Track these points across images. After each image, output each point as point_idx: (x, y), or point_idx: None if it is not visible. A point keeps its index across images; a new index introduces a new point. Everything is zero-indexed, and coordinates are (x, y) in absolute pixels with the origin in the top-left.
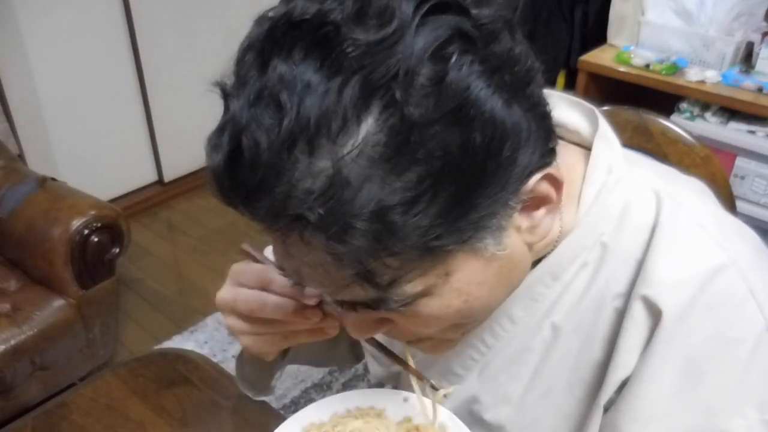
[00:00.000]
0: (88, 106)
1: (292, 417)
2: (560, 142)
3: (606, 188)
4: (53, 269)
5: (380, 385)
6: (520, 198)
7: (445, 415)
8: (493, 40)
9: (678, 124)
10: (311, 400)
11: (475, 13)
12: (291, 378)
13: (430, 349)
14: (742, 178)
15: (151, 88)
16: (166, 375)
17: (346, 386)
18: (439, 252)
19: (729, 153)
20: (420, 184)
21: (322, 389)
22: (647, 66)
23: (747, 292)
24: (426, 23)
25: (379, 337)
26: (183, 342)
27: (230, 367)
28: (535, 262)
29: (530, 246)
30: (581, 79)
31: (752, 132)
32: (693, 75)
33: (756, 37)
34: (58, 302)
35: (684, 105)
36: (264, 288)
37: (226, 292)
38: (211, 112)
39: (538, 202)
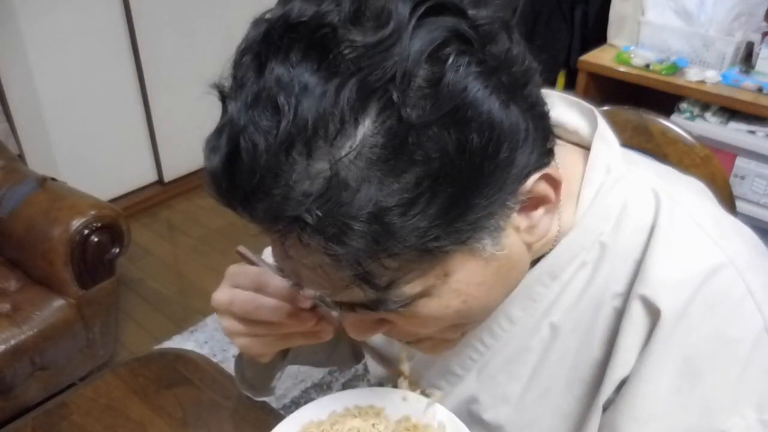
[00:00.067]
0: (88, 106)
1: (291, 416)
2: (559, 141)
3: (605, 188)
4: (53, 269)
5: (380, 385)
6: (519, 198)
7: (444, 415)
8: (490, 41)
9: (678, 124)
10: (311, 400)
11: (472, 14)
12: (291, 378)
13: (430, 350)
14: (742, 178)
15: (151, 88)
16: (166, 375)
17: (346, 386)
18: (437, 253)
19: (729, 153)
20: (418, 185)
21: (322, 389)
22: (647, 66)
23: (745, 291)
24: (423, 25)
25: (378, 337)
26: (183, 342)
27: (230, 367)
28: (534, 262)
29: (529, 246)
30: (581, 79)
31: (752, 132)
32: (693, 75)
33: (756, 37)
34: (58, 302)
35: (684, 105)
36: (259, 290)
37: (222, 294)
38: (210, 113)
39: (536, 202)
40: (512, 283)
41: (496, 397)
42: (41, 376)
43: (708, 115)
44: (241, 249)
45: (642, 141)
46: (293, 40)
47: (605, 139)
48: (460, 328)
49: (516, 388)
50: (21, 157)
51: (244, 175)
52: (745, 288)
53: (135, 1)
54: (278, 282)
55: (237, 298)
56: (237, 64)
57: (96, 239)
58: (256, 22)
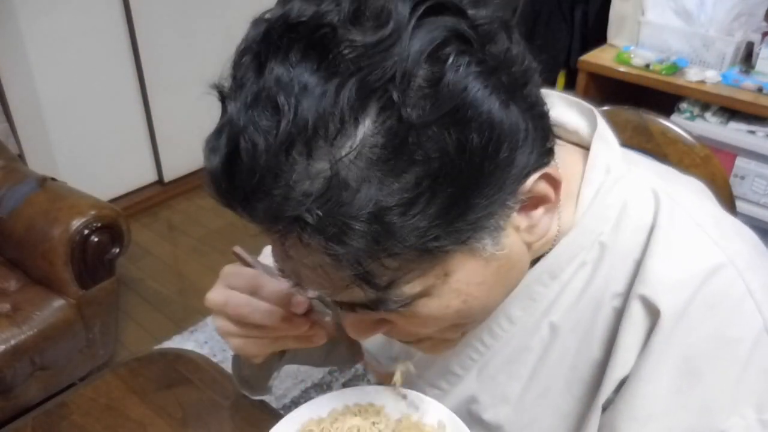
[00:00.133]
0: (88, 106)
1: (291, 414)
2: (558, 141)
3: (604, 188)
4: (53, 269)
5: (379, 384)
6: (519, 198)
7: (444, 413)
8: (490, 41)
9: (678, 124)
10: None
11: (472, 14)
12: (291, 378)
13: (430, 349)
14: (742, 178)
15: (151, 88)
16: (166, 375)
17: (346, 386)
18: (437, 253)
19: (729, 153)
20: (418, 185)
21: (322, 389)
22: (647, 66)
23: (745, 291)
24: (422, 25)
25: (378, 338)
26: (183, 342)
27: (230, 366)
28: (533, 262)
29: (529, 246)
30: (581, 79)
31: (752, 132)
32: (693, 75)
33: (756, 37)
34: (58, 302)
35: (684, 105)
36: (254, 293)
37: (216, 294)
38: (210, 113)
39: (536, 201)
40: (512, 282)
41: (495, 397)
42: (41, 376)
43: (708, 115)
44: (237, 250)
45: (642, 141)
46: (293, 40)
47: (605, 139)
48: (460, 328)
49: (516, 388)
50: (21, 157)
51: (244, 176)
52: (744, 288)
53: (135, 1)
54: (273, 285)
55: (231, 299)
56: (236, 64)
57: (96, 239)
58: (256, 22)
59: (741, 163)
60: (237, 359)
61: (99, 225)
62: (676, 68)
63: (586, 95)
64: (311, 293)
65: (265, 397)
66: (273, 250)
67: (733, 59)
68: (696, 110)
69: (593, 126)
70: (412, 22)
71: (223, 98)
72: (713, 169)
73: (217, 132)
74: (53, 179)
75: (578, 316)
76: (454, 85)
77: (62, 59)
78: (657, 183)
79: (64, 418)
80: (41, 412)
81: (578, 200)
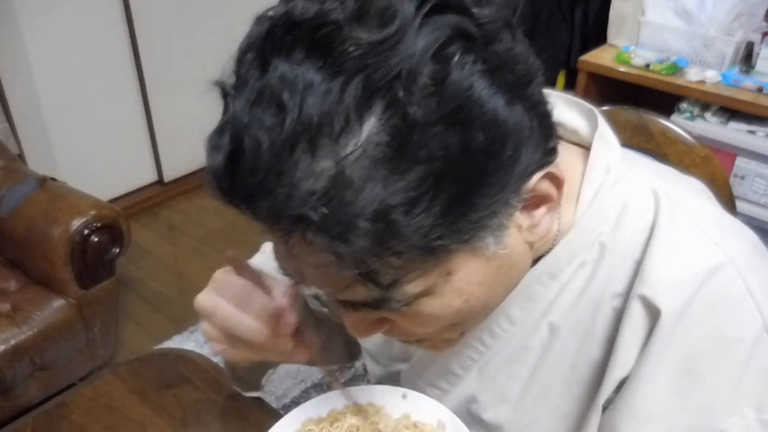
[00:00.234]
0: (88, 106)
1: (291, 413)
2: (559, 141)
3: (604, 188)
4: (53, 269)
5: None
6: (521, 197)
7: (443, 413)
8: (494, 40)
9: (678, 124)
10: None
11: (476, 12)
12: (291, 378)
13: (430, 348)
14: (742, 178)
15: (151, 88)
16: (166, 375)
17: (346, 386)
18: (440, 251)
19: (729, 153)
20: (422, 184)
21: (322, 389)
22: (647, 66)
23: (745, 291)
24: (427, 23)
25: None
26: (183, 342)
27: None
28: (533, 262)
29: (530, 245)
30: (581, 79)
31: (752, 132)
32: (693, 75)
33: (756, 37)
34: (58, 302)
35: (684, 105)
36: (242, 307)
37: (206, 300)
38: (211, 112)
39: (538, 200)
40: (513, 282)
41: (495, 397)
42: (41, 376)
43: (708, 115)
44: (230, 254)
45: (642, 141)
46: (297, 38)
47: (605, 139)
48: (460, 327)
49: (515, 388)
50: (21, 157)
51: (247, 174)
52: (744, 288)
53: (135, 1)
54: (262, 301)
55: (219, 310)
56: (239, 61)
57: (96, 239)
58: (259, 20)
59: (741, 163)
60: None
61: (99, 225)
62: (676, 68)
63: (586, 95)
64: (312, 291)
65: (261, 396)
66: (275, 249)
67: (733, 59)
68: (696, 110)
69: (594, 126)
70: (417, 20)
71: (226, 96)
72: (713, 169)
73: (220, 130)
74: (53, 179)
75: (578, 316)
76: (459, 83)
77: (62, 59)
78: (657, 183)
79: (64, 418)
80: (41, 412)
81: (578, 200)
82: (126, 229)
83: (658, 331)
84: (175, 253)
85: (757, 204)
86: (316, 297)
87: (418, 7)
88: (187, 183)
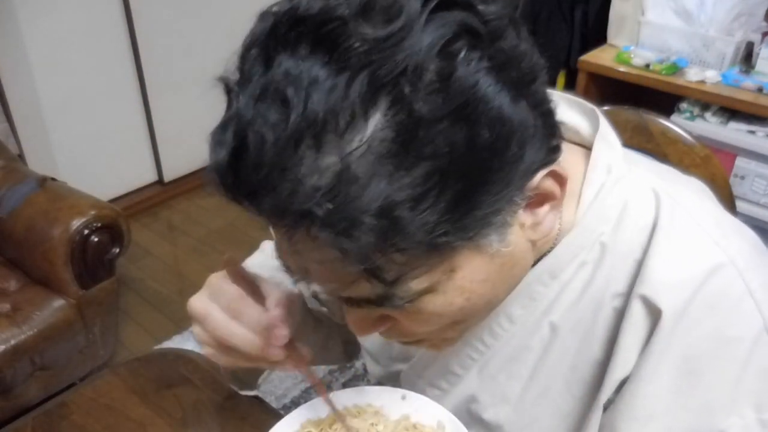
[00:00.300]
0: (88, 106)
1: (290, 415)
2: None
3: (605, 188)
4: (53, 269)
5: (379, 384)
6: (525, 195)
7: (443, 415)
8: (500, 37)
9: (678, 124)
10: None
11: (482, 9)
12: (291, 378)
13: (430, 348)
14: (742, 178)
15: (151, 88)
16: (166, 375)
17: (346, 386)
18: (444, 248)
19: (729, 153)
20: (427, 180)
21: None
22: (647, 66)
23: (745, 291)
24: (433, 19)
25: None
26: (183, 342)
27: None
28: (534, 262)
29: (533, 243)
30: (581, 79)
31: (752, 132)
32: (693, 75)
33: (756, 37)
34: (58, 302)
35: (684, 105)
36: (234, 317)
37: (199, 305)
38: (211, 112)
39: (542, 198)
40: (515, 280)
41: (495, 397)
42: (41, 376)
43: (708, 115)
44: (227, 258)
45: (642, 141)
46: (301, 34)
47: (607, 139)
48: (461, 326)
49: (516, 388)
50: (21, 157)
51: (251, 169)
52: (744, 287)
53: (135, 1)
54: (254, 313)
55: (211, 318)
56: (243, 57)
57: (96, 239)
58: (263, 16)
59: (741, 163)
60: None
61: (99, 225)
62: (676, 68)
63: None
64: (313, 288)
65: (261, 396)
66: (278, 246)
67: (733, 59)
68: (696, 110)
69: (595, 126)
70: (423, 16)
71: (229, 92)
72: (713, 169)
73: (223, 126)
74: (53, 179)
75: (578, 316)
76: (464, 80)
77: (62, 59)
78: (658, 183)
79: (64, 418)
80: (41, 412)
81: (579, 200)
82: (126, 229)
83: (658, 331)
84: (175, 253)
85: (757, 204)
86: (315, 296)
87: (424, 4)
88: (187, 183)
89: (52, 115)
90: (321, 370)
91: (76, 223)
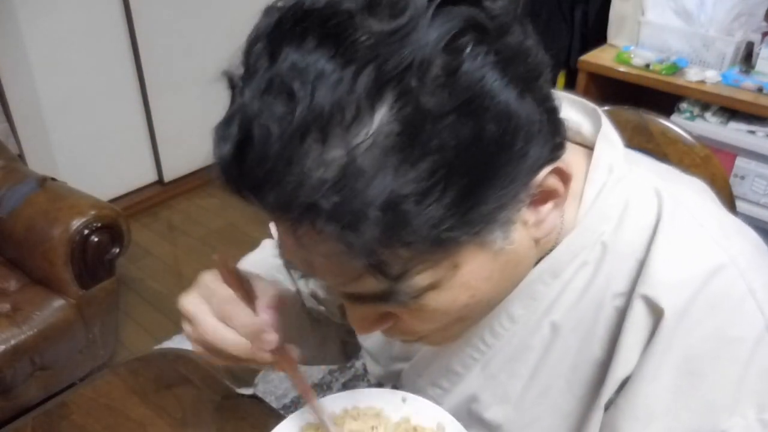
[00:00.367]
0: (88, 106)
1: (289, 417)
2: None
3: (607, 187)
4: (53, 269)
5: (380, 384)
6: (530, 191)
7: (443, 417)
8: (506, 32)
9: (678, 124)
10: None
11: (488, 5)
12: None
13: (431, 343)
14: (742, 178)
15: (151, 88)
16: (166, 375)
17: (346, 386)
18: (449, 244)
19: (729, 153)
20: (433, 174)
21: (322, 389)
22: (647, 66)
23: (747, 291)
24: (439, 14)
25: (378, 337)
26: (183, 342)
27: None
28: (536, 261)
29: (536, 242)
30: (581, 79)
31: (752, 132)
32: (693, 75)
33: (756, 37)
34: (58, 302)
35: (684, 105)
36: (224, 319)
37: (190, 305)
38: (211, 112)
39: (545, 196)
40: (517, 279)
41: (496, 396)
42: (41, 376)
43: (708, 115)
44: (217, 257)
45: (642, 141)
46: (308, 27)
47: (608, 138)
48: (463, 323)
49: (517, 387)
50: (21, 157)
51: (256, 163)
52: (746, 287)
53: (135, 1)
54: (244, 317)
55: (200, 320)
56: (248, 52)
57: (96, 239)
58: (268, 11)
59: (741, 163)
60: None
61: (99, 225)
62: (676, 68)
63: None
64: (313, 286)
65: (261, 396)
66: (281, 241)
67: (733, 59)
68: (696, 110)
69: (597, 126)
70: (430, 11)
71: (233, 87)
72: (713, 169)
73: (227, 120)
74: (53, 179)
75: (579, 316)
76: (471, 74)
77: (62, 59)
78: (659, 183)
79: (64, 418)
80: (41, 412)
81: (581, 200)
82: (126, 229)
83: (660, 331)
84: (175, 253)
85: (757, 204)
86: (314, 296)
87: None
88: (187, 183)
89: (52, 115)
90: (321, 371)
91: (76, 223)
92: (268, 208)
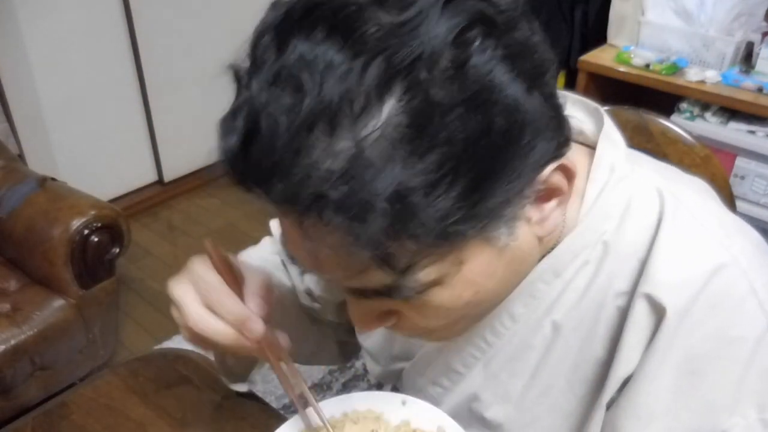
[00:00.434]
0: (88, 106)
1: (288, 422)
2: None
3: (608, 186)
4: (53, 269)
5: (380, 384)
6: (535, 188)
7: (443, 420)
8: (514, 27)
9: (678, 124)
10: None
11: None
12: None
13: (434, 339)
14: (742, 178)
15: (151, 88)
16: (166, 375)
17: (346, 386)
18: (455, 237)
19: (729, 153)
20: (441, 167)
21: (322, 389)
22: (647, 66)
23: (748, 290)
24: (448, 7)
25: (378, 337)
26: (183, 342)
27: None
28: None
29: (539, 240)
30: (581, 79)
31: (752, 132)
32: (693, 75)
33: (756, 37)
34: (58, 302)
35: (684, 105)
36: (210, 307)
37: (178, 291)
38: (211, 112)
39: (549, 193)
40: (521, 276)
41: (497, 395)
42: (41, 376)
43: (708, 115)
44: (207, 244)
45: (642, 141)
46: (316, 19)
47: (611, 138)
48: (465, 322)
49: (517, 386)
50: (21, 157)
51: (264, 154)
52: (748, 287)
53: (135, 1)
54: (230, 305)
55: (186, 307)
56: (255, 45)
57: (96, 239)
58: (275, 5)
59: (741, 163)
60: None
61: (99, 225)
62: (676, 68)
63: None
64: (324, 277)
65: (261, 396)
66: (285, 236)
67: (733, 59)
68: (696, 110)
69: (599, 125)
70: (439, 4)
71: (238, 79)
72: (713, 169)
73: (233, 113)
74: (53, 179)
75: (581, 315)
76: (480, 67)
77: (62, 59)
78: (661, 182)
79: (64, 418)
80: (41, 412)
81: (582, 198)
82: (126, 229)
83: (662, 330)
84: (175, 253)
85: (757, 204)
86: (309, 293)
87: None
88: (187, 183)
89: (52, 115)
90: (321, 371)
91: (76, 223)
92: (274, 200)
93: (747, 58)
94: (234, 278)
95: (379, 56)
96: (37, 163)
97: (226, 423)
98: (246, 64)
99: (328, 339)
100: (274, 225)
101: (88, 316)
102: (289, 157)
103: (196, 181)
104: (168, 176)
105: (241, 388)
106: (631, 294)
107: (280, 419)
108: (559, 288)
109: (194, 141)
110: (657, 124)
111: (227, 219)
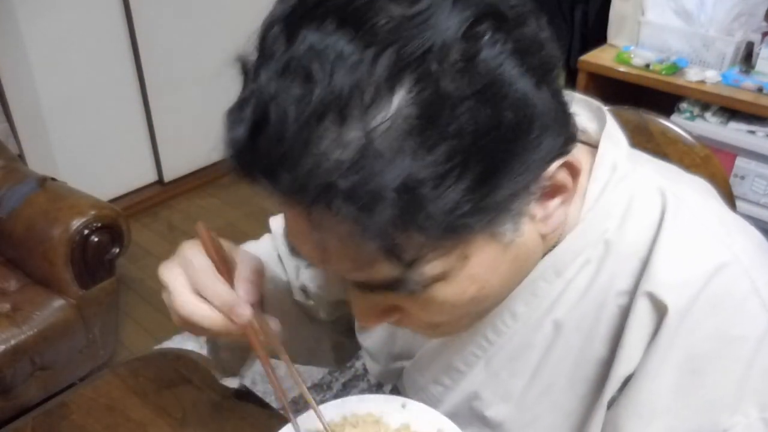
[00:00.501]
0: (88, 106)
1: (285, 428)
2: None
3: (610, 185)
4: (53, 269)
5: (379, 385)
6: (540, 184)
7: (444, 423)
8: (523, 23)
9: (678, 124)
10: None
11: None
12: (291, 378)
13: (438, 335)
14: (742, 178)
15: (151, 88)
16: (166, 375)
17: (345, 386)
18: (462, 231)
19: (729, 153)
20: (450, 159)
21: (322, 389)
22: (647, 66)
23: (750, 290)
24: (459, 1)
25: (379, 336)
26: (183, 342)
27: None
28: None
29: (543, 237)
30: (581, 79)
31: (752, 132)
32: (693, 75)
33: (756, 37)
34: (58, 302)
35: (684, 105)
36: (199, 291)
37: (167, 275)
38: (211, 112)
39: (554, 190)
40: (523, 274)
41: (498, 394)
42: (41, 376)
43: (708, 115)
44: (199, 227)
45: (642, 141)
46: (327, 11)
47: (613, 137)
48: (468, 318)
49: (518, 385)
50: (21, 157)
51: (272, 144)
52: (749, 286)
53: (135, 1)
54: (219, 290)
55: (175, 292)
56: (263, 36)
57: (96, 239)
58: None
59: (741, 163)
60: (215, 342)
61: (99, 225)
62: (676, 68)
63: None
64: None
65: (261, 396)
66: (290, 229)
67: (733, 59)
68: (696, 110)
69: (601, 124)
70: None
71: (245, 71)
72: (713, 169)
73: (240, 103)
74: (53, 179)
75: (582, 314)
76: (490, 61)
77: (62, 59)
78: (663, 182)
79: (64, 418)
80: (41, 412)
81: (584, 197)
82: (126, 229)
83: (664, 329)
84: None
85: (757, 204)
86: (303, 289)
87: None
88: (187, 183)
89: (52, 115)
90: (321, 371)
91: (76, 223)
92: (282, 191)
93: (747, 58)
94: (225, 263)
95: (390, 48)
96: (37, 163)
97: (226, 423)
98: (253, 57)
99: (325, 338)
100: (274, 223)
101: (88, 316)
102: (298, 147)
103: (196, 181)
104: (168, 176)
105: (232, 383)
106: (633, 293)
107: (280, 419)
108: (561, 287)
109: (194, 141)
110: (657, 124)
111: (227, 219)
